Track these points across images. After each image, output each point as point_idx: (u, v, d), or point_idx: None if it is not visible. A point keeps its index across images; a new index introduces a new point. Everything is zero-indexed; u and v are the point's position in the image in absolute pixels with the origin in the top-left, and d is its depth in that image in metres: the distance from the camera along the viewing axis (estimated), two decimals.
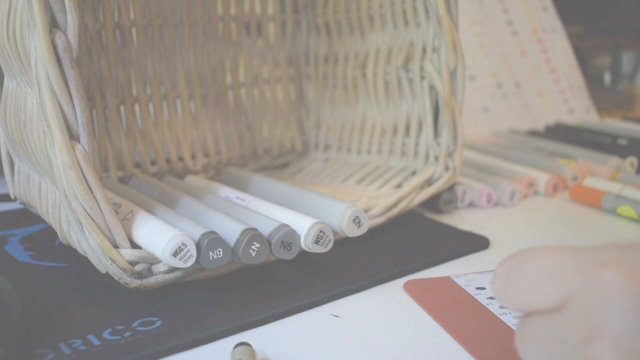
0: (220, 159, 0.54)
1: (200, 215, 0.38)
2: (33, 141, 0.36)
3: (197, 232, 0.34)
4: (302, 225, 0.36)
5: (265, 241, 0.35)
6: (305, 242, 0.36)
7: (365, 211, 0.44)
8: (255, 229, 0.34)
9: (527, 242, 0.44)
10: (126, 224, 0.36)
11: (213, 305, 0.35)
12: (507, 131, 0.73)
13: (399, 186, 0.49)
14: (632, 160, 0.59)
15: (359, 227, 0.39)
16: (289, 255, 0.35)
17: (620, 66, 1.02)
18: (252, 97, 0.55)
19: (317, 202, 0.40)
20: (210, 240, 0.33)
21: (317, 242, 0.36)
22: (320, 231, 0.36)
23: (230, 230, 0.35)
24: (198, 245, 0.33)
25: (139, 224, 0.35)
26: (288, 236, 0.35)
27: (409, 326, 0.33)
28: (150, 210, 0.38)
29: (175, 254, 0.32)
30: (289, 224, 0.36)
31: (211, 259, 0.33)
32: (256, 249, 0.34)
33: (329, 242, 0.37)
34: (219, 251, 0.33)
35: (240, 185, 0.48)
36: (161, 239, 0.33)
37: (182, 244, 0.32)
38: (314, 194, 0.41)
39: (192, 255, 0.33)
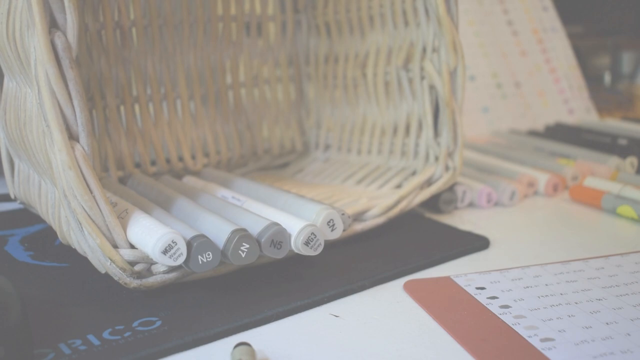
0: (220, 159, 0.54)
1: (193, 216, 0.37)
2: (33, 141, 0.36)
3: (186, 235, 0.33)
4: (294, 226, 0.36)
5: (255, 241, 0.34)
6: (295, 243, 0.35)
7: (365, 211, 0.44)
8: (244, 230, 0.34)
9: (527, 242, 0.44)
10: (120, 222, 0.36)
11: (213, 305, 0.35)
12: (507, 131, 0.73)
13: (399, 186, 0.49)
14: (632, 160, 0.59)
15: (332, 230, 0.37)
16: (279, 254, 0.35)
17: (620, 66, 1.02)
18: (252, 97, 0.55)
19: (290, 204, 0.39)
20: (198, 244, 0.33)
21: (307, 243, 0.35)
22: (312, 233, 0.35)
23: (220, 231, 0.34)
24: (188, 246, 0.33)
25: (131, 222, 0.35)
26: (278, 235, 0.35)
27: (409, 326, 0.33)
28: (144, 211, 0.38)
29: (165, 252, 0.32)
30: (280, 223, 0.35)
31: (200, 262, 0.33)
32: (246, 250, 0.34)
33: (319, 245, 0.36)
34: (209, 255, 0.33)
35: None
36: (152, 236, 0.33)
37: (172, 241, 0.32)
38: (290, 195, 0.41)
39: (182, 254, 0.32)
